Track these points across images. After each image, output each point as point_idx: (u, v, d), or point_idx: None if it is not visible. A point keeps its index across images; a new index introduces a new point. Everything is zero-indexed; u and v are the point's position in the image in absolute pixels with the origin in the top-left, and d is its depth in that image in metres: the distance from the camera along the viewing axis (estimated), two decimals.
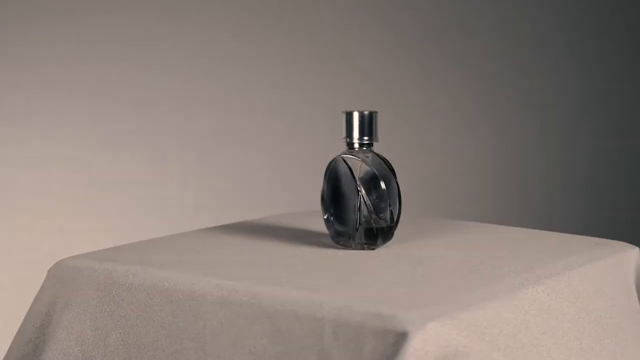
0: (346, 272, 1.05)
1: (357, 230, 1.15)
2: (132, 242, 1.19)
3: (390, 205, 1.16)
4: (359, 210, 1.15)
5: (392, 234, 1.18)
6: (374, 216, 1.15)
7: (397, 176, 1.17)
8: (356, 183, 1.15)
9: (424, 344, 0.87)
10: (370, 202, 1.15)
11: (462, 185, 2.39)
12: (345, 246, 1.17)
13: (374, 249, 1.16)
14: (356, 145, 1.18)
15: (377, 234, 1.16)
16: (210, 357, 0.98)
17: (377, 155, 1.17)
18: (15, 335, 1.13)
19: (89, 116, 1.59)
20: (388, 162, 1.18)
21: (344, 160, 1.16)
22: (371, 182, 1.16)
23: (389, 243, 1.18)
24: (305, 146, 1.96)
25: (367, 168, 1.16)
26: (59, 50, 1.57)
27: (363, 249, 1.16)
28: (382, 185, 1.15)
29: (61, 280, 1.11)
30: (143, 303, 1.04)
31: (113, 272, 1.08)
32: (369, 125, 1.18)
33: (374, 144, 1.18)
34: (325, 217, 1.18)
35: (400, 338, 0.87)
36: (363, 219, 1.15)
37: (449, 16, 2.33)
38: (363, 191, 1.15)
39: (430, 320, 0.88)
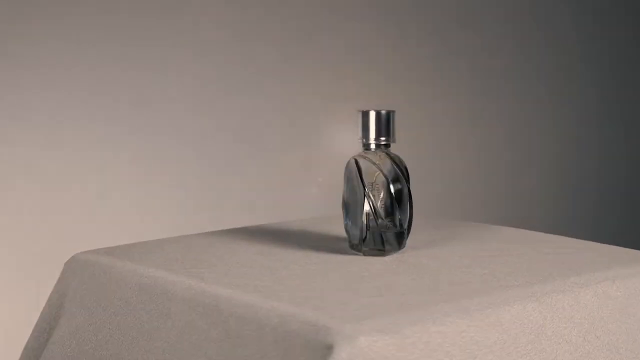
0: (326, 280, 1.01)
1: (365, 235, 1.10)
2: (146, 240, 1.20)
3: (399, 211, 1.10)
4: (366, 214, 1.10)
5: (404, 240, 1.11)
6: (381, 221, 1.10)
7: (410, 180, 1.11)
8: (363, 186, 1.10)
9: (351, 358, 0.81)
10: (379, 206, 1.10)
11: (471, 186, 2.30)
12: (358, 252, 1.12)
13: (383, 256, 1.11)
14: (372, 146, 1.12)
15: (385, 239, 1.10)
16: (174, 358, 0.98)
17: (391, 157, 1.11)
18: (35, 325, 1.17)
19: (89, 116, 1.62)
20: (403, 164, 1.12)
21: (356, 162, 1.12)
22: (382, 185, 1.10)
23: (405, 249, 1.12)
24: (308, 147, 1.90)
25: (386, 170, 1.11)
26: (59, 50, 1.60)
27: (375, 255, 1.11)
28: (392, 189, 1.10)
29: (72, 273, 1.14)
30: (129, 301, 1.05)
31: (112, 269, 1.10)
32: (385, 125, 1.13)
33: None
34: (344, 221, 1.14)
35: (327, 350, 0.82)
36: (372, 224, 1.10)
37: (457, 13, 2.24)
38: (370, 195, 1.10)
39: (363, 334, 0.83)
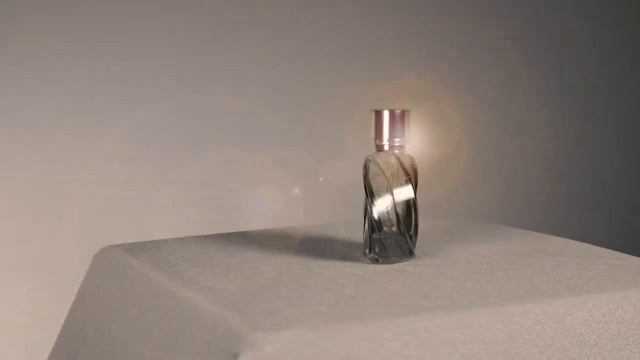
0: (289, 286, 0.96)
1: (369, 242, 1.05)
2: (171, 238, 1.21)
3: (403, 218, 1.03)
4: (369, 220, 1.04)
5: (410, 247, 1.04)
6: (385, 228, 1.04)
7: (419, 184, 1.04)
8: (366, 192, 1.05)
9: None
10: (384, 212, 1.04)
11: (479, 186, 2.15)
12: (368, 259, 1.06)
13: (389, 263, 1.04)
14: (386, 147, 1.06)
15: (387, 247, 1.04)
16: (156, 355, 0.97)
17: (401, 161, 1.05)
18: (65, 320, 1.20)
19: (88, 116, 1.61)
20: (413, 168, 1.05)
21: (365, 166, 1.06)
22: (387, 190, 1.04)
23: (414, 256, 1.05)
24: (309, 147, 1.80)
25: (394, 175, 1.05)
26: (59, 50, 1.61)
27: (380, 262, 1.05)
28: (394, 194, 1.03)
29: (96, 267, 1.16)
30: (127, 297, 1.06)
31: (115, 265, 1.11)
32: (399, 126, 1.06)
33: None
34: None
35: (233, 359, 0.79)
36: (374, 231, 1.04)
37: (459, 13, 2.09)
38: (373, 201, 1.04)
39: (271, 344, 0.78)
